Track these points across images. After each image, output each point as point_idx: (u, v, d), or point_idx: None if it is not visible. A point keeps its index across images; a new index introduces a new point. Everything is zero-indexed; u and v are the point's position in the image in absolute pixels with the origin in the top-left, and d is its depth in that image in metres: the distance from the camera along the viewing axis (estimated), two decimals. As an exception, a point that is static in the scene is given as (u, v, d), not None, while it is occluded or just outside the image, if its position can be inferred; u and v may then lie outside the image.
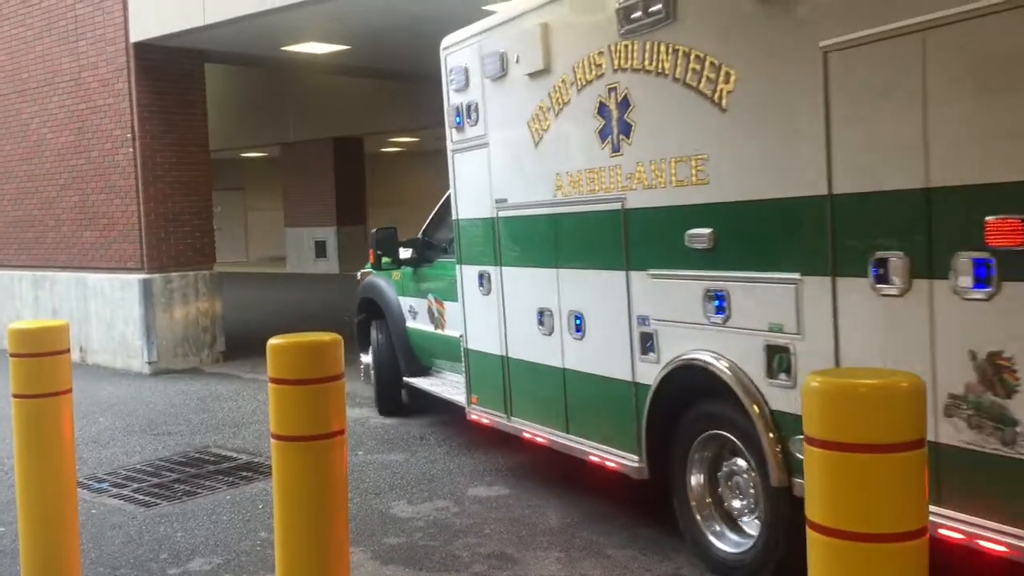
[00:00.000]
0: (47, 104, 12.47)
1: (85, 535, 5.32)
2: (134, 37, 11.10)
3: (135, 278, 11.30)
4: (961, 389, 3.36)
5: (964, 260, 3.29)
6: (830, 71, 3.67)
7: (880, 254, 3.56)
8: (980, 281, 3.25)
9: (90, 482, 6.65)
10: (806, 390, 2.27)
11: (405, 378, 8.11)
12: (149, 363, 11.23)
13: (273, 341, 3.40)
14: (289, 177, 25.52)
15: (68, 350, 4.48)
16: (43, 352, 4.37)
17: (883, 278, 3.57)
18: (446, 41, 6.48)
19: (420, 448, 7.36)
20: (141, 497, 6.34)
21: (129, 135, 11.25)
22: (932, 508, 3.25)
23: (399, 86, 17.36)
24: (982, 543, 3.35)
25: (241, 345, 11.98)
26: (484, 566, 4.92)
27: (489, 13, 9.84)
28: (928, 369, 3.43)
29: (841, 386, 2.22)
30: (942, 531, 3.42)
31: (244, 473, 6.83)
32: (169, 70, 11.43)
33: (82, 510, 5.33)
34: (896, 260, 3.52)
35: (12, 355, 4.36)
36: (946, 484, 3.42)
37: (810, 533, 2.27)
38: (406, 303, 8.06)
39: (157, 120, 11.34)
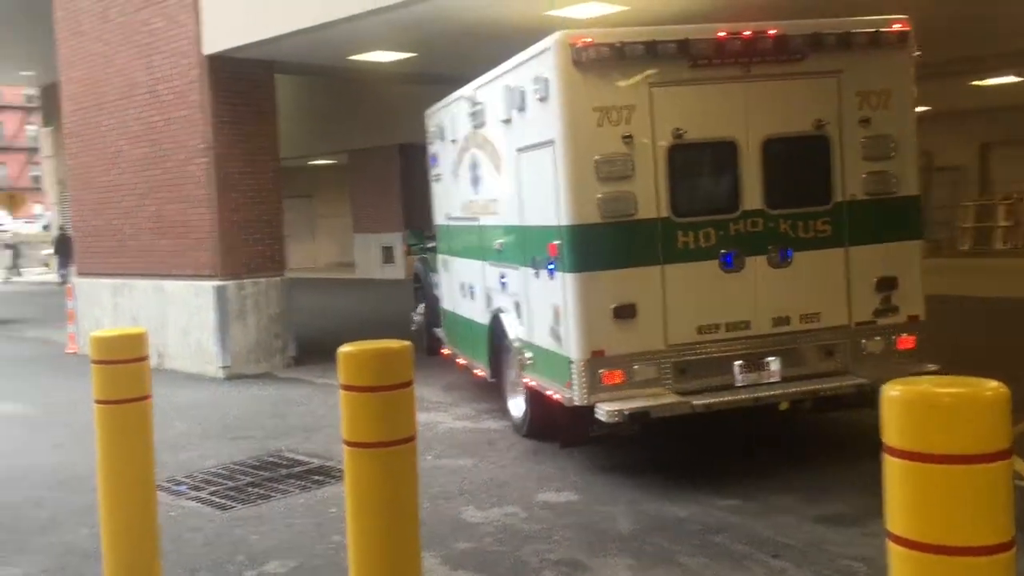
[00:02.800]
0: (124, 117, 12.83)
1: (165, 537, 5.45)
2: (207, 50, 11.36)
3: (210, 285, 11.56)
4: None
5: (540, 259, 6.72)
6: (521, 164, 7.12)
7: (536, 257, 6.83)
8: (551, 269, 6.54)
9: (169, 485, 6.81)
10: (886, 399, 2.21)
11: (434, 329, 10.91)
12: (223, 368, 11.47)
13: (344, 349, 3.44)
14: (357, 184, 25.86)
15: (147, 357, 4.60)
16: (123, 359, 4.50)
17: (541, 269, 6.76)
18: (427, 111, 10.16)
19: (489, 453, 7.38)
20: (218, 500, 6.47)
21: (203, 145, 11.52)
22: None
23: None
24: None
25: (312, 350, 12.16)
26: (554, 572, 4.90)
27: (551, 18, 9.86)
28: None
29: (923, 395, 2.15)
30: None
31: (316, 477, 6.92)
32: (240, 81, 11.67)
33: (161, 512, 5.45)
34: (536, 259, 6.83)
35: (94, 362, 4.50)
36: None
37: (892, 546, 2.21)
38: (433, 278, 10.99)
39: (229, 130, 11.59)
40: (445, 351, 10.10)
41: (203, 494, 6.63)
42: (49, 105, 34.17)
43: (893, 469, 2.19)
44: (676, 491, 6.13)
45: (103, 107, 13.25)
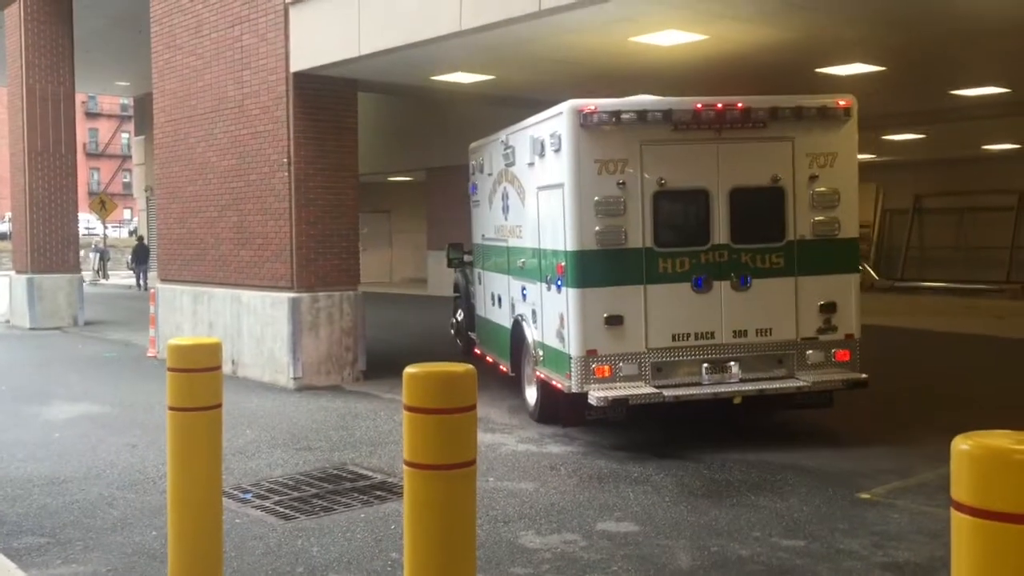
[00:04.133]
0: (213, 129, 13.23)
1: (228, 543, 5.56)
2: (294, 67, 11.66)
3: (285, 296, 11.81)
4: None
5: (551, 276, 8.42)
6: (540, 199, 8.88)
7: (548, 274, 8.56)
8: (559, 285, 8.23)
9: (235, 492, 6.95)
10: (955, 452, 2.15)
11: (469, 332, 12.75)
12: (294, 379, 11.68)
13: (409, 370, 3.48)
14: (433, 201, 26.14)
15: (220, 367, 4.72)
16: (198, 368, 4.62)
17: (551, 284, 8.45)
18: (471, 146, 11.93)
19: (551, 478, 7.36)
20: (281, 510, 6.58)
21: (285, 160, 11.80)
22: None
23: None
24: None
25: (381, 364, 12.31)
26: (610, 604, 4.85)
27: (633, 44, 9.85)
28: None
29: (994, 451, 2.09)
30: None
31: (379, 492, 6.99)
32: (324, 98, 11.94)
33: (226, 519, 5.57)
34: (549, 276, 8.55)
35: (170, 369, 4.63)
36: None
37: (956, 605, 2.16)
38: (470, 288, 12.74)
39: (312, 146, 11.85)
40: (478, 350, 11.97)
41: (268, 503, 6.75)
42: (142, 115, 35.44)
43: (961, 525, 2.13)
44: (740, 528, 6.03)
45: (193, 119, 13.68)
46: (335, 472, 7.60)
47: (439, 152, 24.17)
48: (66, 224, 19.58)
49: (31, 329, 18.84)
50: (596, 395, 7.78)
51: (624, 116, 7.89)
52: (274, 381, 11.97)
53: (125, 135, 75.03)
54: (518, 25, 8.87)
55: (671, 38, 9.88)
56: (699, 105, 7.99)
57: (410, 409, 3.45)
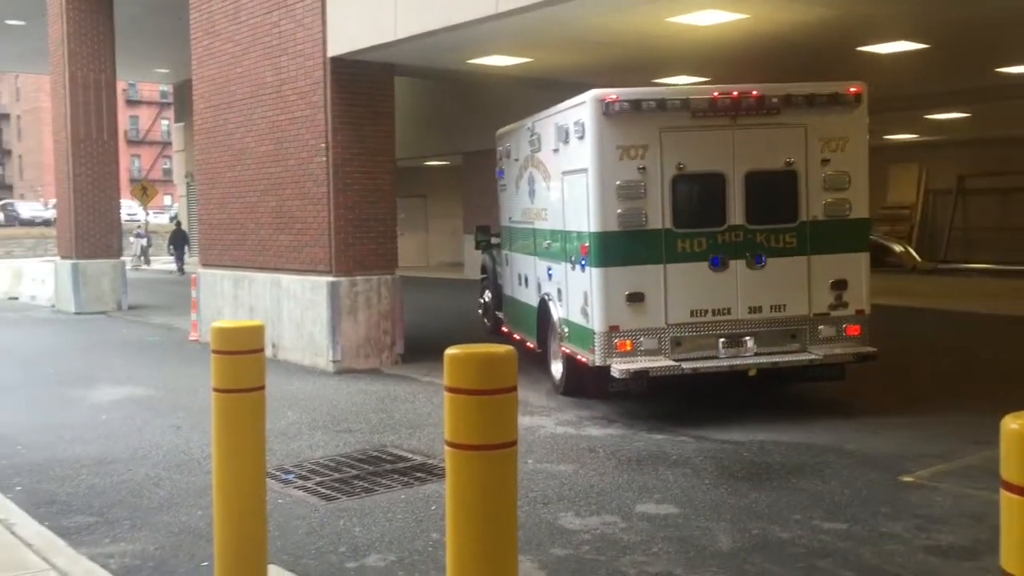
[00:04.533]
0: (251, 115, 13.34)
1: (272, 523, 5.64)
2: (331, 52, 11.70)
3: (324, 280, 11.90)
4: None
5: (576, 256, 8.95)
6: (565, 184, 9.22)
7: (573, 255, 8.93)
8: (583, 264, 8.62)
9: (278, 473, 7.05)
10: (1005, 432, 2.12)
11: (496, 312, 13.44)
12: (334, 362, 11.79)
13: (450, 351, 3.49)
14: (469, 185, 26.16)
15: (263, 349, 4.77)
16: (241, 350, 4.67)
17: (576, 264, 8.84)
18: (498, 132, 12.46)
19: (590, 460, 7.37)
20: (323, 491, 6.66)
21: (323, 145, 11.87)
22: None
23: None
24: None
25: (419, 348, 12.38)
26: (650, 585, 4.86)
27: (672, 24, 9.77)
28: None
29: (1046, 430, 2.06)
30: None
31: (418, 474, 7.05)
32: (361, 83, 11.97)
33: (269, 499, 5.65)
34: (573, 256, 8.94)
35: (214, 352, 4.68)
36: None
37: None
38: (497, 269, 13.43)
39: (349, 130, 11.90)
40: (505, 328, 12.53)
41: (310, 484, 6.84)
42: (181, 102, 35.83)
43: (1011, 505, 2.10)
44: (780, 511, 6.00)
45: (232, 105, 13.80)
46: (375, 454, 7.67)
47: (475, 136, 24.13)
48: (109, 210, 19.88)
49: (76, 314, 19.19)
50: (618, 368, 8.27)
51: (644, 104, 8.31)
52: (314, 364, 12.09)
53: (165, 122, 75.90)
54: (555, 7, 8.83)
55: (710, 18, 9.78)
56: (716, 93, 8.44)
57: (451, 390, 3.46)
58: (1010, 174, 26.34)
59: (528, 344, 10.92)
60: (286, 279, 12.71)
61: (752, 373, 8.61)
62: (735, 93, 8.43)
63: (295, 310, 12.51)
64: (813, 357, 8.56)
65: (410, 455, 7.61)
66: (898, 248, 27.00)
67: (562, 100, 9.32)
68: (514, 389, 3.50)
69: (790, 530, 5.64)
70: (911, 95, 16.97)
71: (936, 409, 8.97)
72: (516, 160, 11.36)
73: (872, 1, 9.55)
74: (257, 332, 4.75)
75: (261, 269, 13.32)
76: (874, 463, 7.12)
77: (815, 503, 6.16)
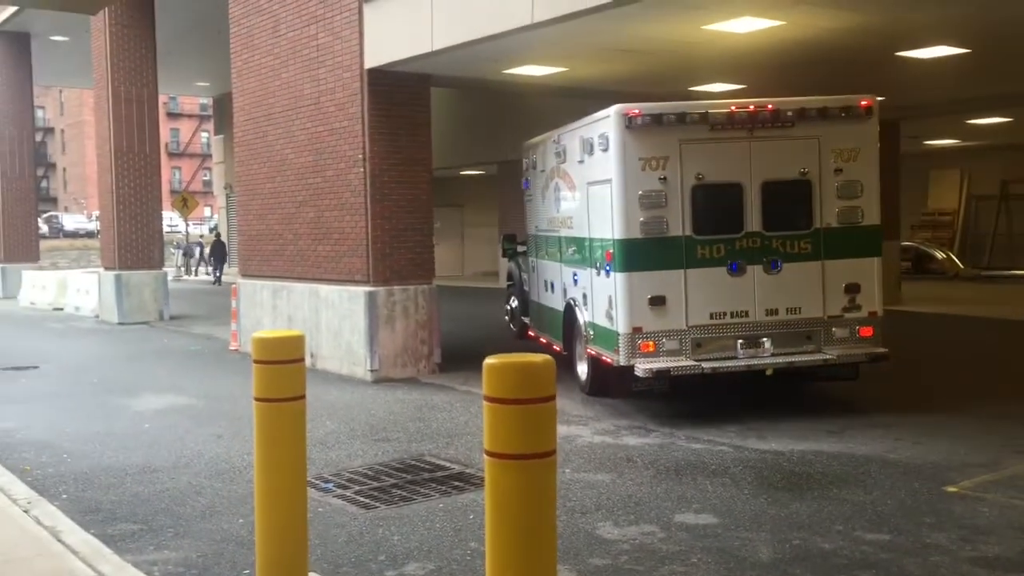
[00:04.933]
0: (290, 127, 13.49)
1: (312, 532, 5.69)
2: (368, 64, 11.81)
3: (361, 290, 11.99)
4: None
5: (600, 262, 9.32)
6: (590, 193, 9.68)
7: (597, 261, 9.38)
8: (608, 270, 9.07)
9: (317, 482, 7.11)
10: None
11: (522, 317, 14.04)
12: (371, 371, 11.87)
13: (489, 361, 3.51)
14: (504, 194, 26.21)
15: (303, 359, 4.83)
16: (281, 360, 4.73)
17: (601, 269, 9.31)
18: (524, 144, 12.98)
19: (627, 469, 7.34)
20: (362, 499, 6.71)
21: (361, 156, 11.98)
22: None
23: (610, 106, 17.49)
24: None
25: (455, 357, 12.42)
26: (690, 596, 4.83)
27: (707, 32, 9.75)
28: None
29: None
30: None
31: (456, 483, 7.07)
32: (398, 94, 12.07)
33: (309, 508, 5.70)
34: (598, 263, 9.42)
35: (256, 361, 4.75)
36: None
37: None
38: (523, 276, 13.97)
39: (386, 141, 12.00)
40: (531, 333, 13.07)
41: (349, 493, 6.89)
42: (221, 114, 36.35)
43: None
44: (822, 522, 5.94)
45: (271, 117, 13.97)
46: (413, 463, 7.71)
47: (510, 146, 24.16)
48: (150, 222, 20.21)
49: (119, 324, 19.51)
50: (642, 367, 8.72)
51: (665, 118, 8.79)
52: (352, 373, 12.17)
53: (205, 134, 77.00)
54: (590, 16, 8.84)
55: (746, 25, 9.73)
56: (733, 107, 8.91)
57: (490, 400, 3.48)
58: (1055, 179, 25.87)
59: (554, 347, 11.43)
60: (324, 289, 12.82)
61: (769, 372, 8.99)
62: (751, 107, 8.92)
63: (333, 320, 12.62)
64: (827, 357, 8.96)
65: (448, 464, 7.63)
66: (940, 255, 26.64)
67: (596, 109, 9.41)
68: (553, 398, 3.51)
69: (832, 541, 5.58)
70: (952, 100, 16.74)
71: (979, 418, 8.82)
72: (542, 171, 11.88)
73: (913, 6, 9.44)
74: (297, 342, 4.81)
75: (300, 279, 13.45)
76: (917, 473, 7.02)
77: (857, 514, 6.08)
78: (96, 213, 37.94)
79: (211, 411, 10.18)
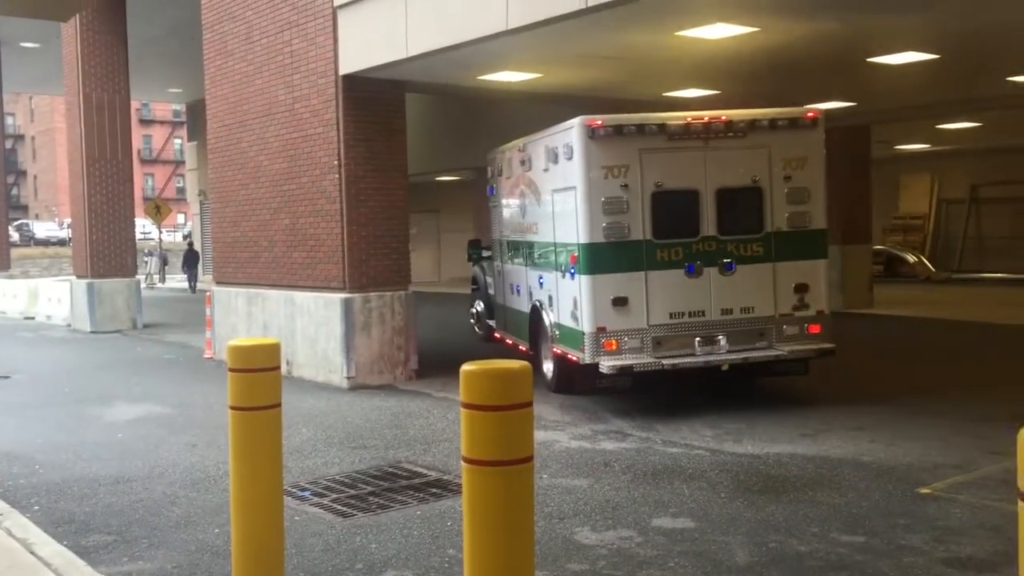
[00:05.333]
0: (264, 133, 13.44)
1: (288, 540, 5.65)
2: (343, 70, 11.79)
3: (337, 297, 11.95)
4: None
5: (565, 265, 9.94)
6: (555, 200, 10.28)
7: (563, 264, 9.96)
8: (573, 273, 9.67)
9: (294, 490, 7.07)
10: (1022, 443, 2.12)
11: (488, 320, 14.68)
12: (348, 378, 11.82)
13: (466, 367, 3.51)
14: (481, 200, 26.16)
15: (279, 367, 4.81)
16: (257, 368, 4.71)
17: (566, 272, 9.88)
18: (489, 154, 13.55)
19: (604, 474, 7.36)
20: (339, 507, 6.68)
21: (336, 162, 11.94)
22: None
23: (585, 111, 17.56)
24: None
25: (432, 363, 12.40)
26: (668, 600, 4.85)
27: (680, 39, 9.80)
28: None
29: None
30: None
31: (434, 490, 7.06)
32: (373, 100, 12.05)
33: (286, 516, 5.66)
34: (563, 266, 10.02)
35: (231, 370, 4.72)
36: None
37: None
38: (488, 280, 14.73)
39: (361, 148, 11.98)
40: (497, 335, 13.68)
41: (326, 501, 6.86)
42: (194, 121, 36.11)
43: (1029, 518, 2.11)
44: (798, 524, 5.98)
45: (245, 124, 13.90)
46: (390, 470, 7.69)
47: (486, 151, 24.24)
48: (123, 229, 20.03)
49: (92, 332, 19.31)
50: (606, 364, 9.29)
51: (625, 129, 9.44)
52: (328, 381, 12.12)
53: (178, 141, 76.45)
54: (564, 23, 8.87)
55: (719, 31, 9.81)
56: (689, 119, 9.61)
57: (468, 406, 3.49)
58: (1023, 183, 26.26)
59: (520, 347, 12.14)
60: (300, 296, 12.76)
61: (725, 368, 9.57)
62: (706, 118, 9.62)
63: (309, 327, 12.56)
64: (779, 353, 9.66)
65: (425, 471, 7.62)
66: (911, 259, 26.93)
67: (570, 115, 9.60)
68: (530, 404, 3.52)
69: (808, 543, 5.62)
70: (922, 105, 16.94)
71: (952, 419, 8.92)
72: (508, 178, 12.49)
73: (881, 13, 9.56)
74: (273, 350, 4.79)
75: (275, 286, 13.38)
76: (891, 475, 7.09)
77: (833, 516, 6.13)
78: (68, 221, 37.57)
79: (186, 420, 10.09)
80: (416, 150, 16.99)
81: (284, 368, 12.67)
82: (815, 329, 9.80)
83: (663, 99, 14.08)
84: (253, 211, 13.85)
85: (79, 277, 20.21)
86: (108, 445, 8.89)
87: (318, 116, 12.25)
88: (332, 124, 11.97)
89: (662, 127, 9.49)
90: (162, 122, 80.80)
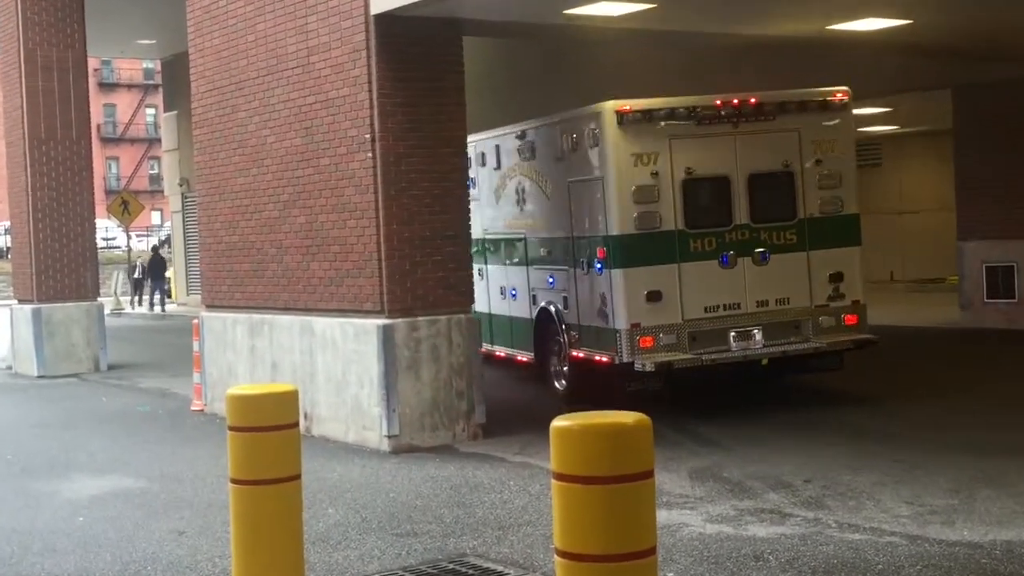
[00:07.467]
0: (268, 99, 13.64)
1: (313, 665, 5.71)
2: (375, 8, 11.84)
3: (373, 324, 12.03)
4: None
5: (588, 261, 13.30)
6: (572, 191, 13.74)
7: (585, 259, 13.36)
8: (599, 267, 13.03)
9: (318, 594, 7.15)
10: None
11: None
12: (389, 437, 11.89)
13: (560, 423, 3.52)
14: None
15: (296, 423, 4.88)
16: (267, 426, 4.80)
17: (589, 268, 13.20)
18: (469, 138, 14.01)
19: (754, 571, 7.28)
20: (381, 619, 6.72)
21: (368, 136, 12.03)
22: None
23: (707, 58, 17.50)
24: None
25: (505, 415, 12.42)
26: None
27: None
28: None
29: None
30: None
31: (513, 594, 7.07)
32: (418, 48, 12.12)
33: (309, 632, 5.72)
34: (585, 261, 13.37)
35: (232, 428, 4.82)
36: None
37: None
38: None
39: (402, 115, 12.04)
40: (481, 349, 14.51)
41: (363, 609, 6.91)
42: (172, 83, 36.98)
43: None
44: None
45: (242, 85, 14.15)
46: (451, 567, 7.71)
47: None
48: (81, 235, 20.45)
49: (39, 377, 19.82)
50: (643, 361, 12.04)
51: (655, 114, 12.35)
52: (361, 441, 12.22)
53: (151, 111, 78.40)
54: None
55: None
56: (719, 102, 12.51)
57: (563, 477, 3.49)
58: None
59: (519, 358, 15.34)
60: (321, 323, 12.91)
61: (765, 362, 12.62)
62: (736, 101, 12.52)
63: (334, 366, 12.69)
64: (818, 345, 12.74)
65: (500, 568, 7.63)
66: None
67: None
68: (651, 474, 3.51)
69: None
70: None
71: None
72: (496, 169, 15.60)
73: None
74: (288, 400, 4.87)
75: (286, 310, 13.55)
76: None
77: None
78: (6, 225, 38.66)
79: (169, 497, 10.28)
80: (475, 113, 17.09)
81: (302, 423, 12.79)
82: (852, 320, 12.90)
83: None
84: (255, 206, 14.06)
85: (21, 301, 20.73)
86: (66, 532, 9.10)
87: (342, 73, 12.37)
88: (362, 83, 12.08)
89: (691, 111, 12.42)
90: (129, 86, 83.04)
